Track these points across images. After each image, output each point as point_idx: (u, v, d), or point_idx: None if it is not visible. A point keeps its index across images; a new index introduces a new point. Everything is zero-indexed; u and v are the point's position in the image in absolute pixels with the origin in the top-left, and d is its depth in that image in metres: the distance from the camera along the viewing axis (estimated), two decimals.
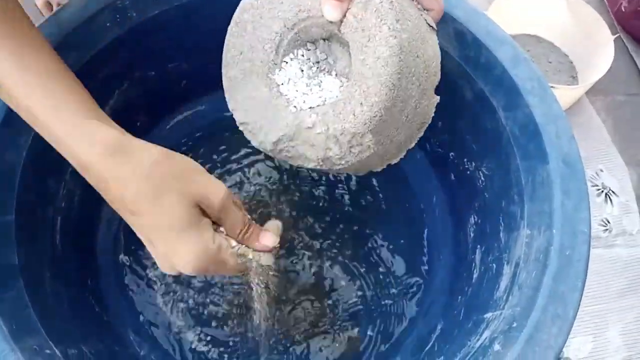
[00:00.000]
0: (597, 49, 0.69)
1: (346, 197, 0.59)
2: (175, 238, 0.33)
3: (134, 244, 0.55)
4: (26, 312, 0.36)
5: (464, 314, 0.46)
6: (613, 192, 0.65)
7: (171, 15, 0.51)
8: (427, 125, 0.42)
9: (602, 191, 0.65)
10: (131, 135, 0.34)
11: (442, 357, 0.43)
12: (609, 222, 0.63)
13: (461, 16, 0.46)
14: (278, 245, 0.39)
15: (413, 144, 0.42)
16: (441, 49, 0.49)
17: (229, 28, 0.39)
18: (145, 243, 0.34)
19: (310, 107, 0.37)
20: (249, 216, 0.38)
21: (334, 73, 0.38)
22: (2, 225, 0.39)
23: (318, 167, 0.39)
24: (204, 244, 0.33)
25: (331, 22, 0.36)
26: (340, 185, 0.60)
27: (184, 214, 0.32)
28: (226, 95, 0.40)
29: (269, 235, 0.38)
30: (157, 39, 0.52)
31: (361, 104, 0.36)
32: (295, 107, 0.38)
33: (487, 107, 0.47)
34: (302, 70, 0.38)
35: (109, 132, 0.33)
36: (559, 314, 0.35)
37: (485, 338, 0.38)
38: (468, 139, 0.51)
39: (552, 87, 0.62)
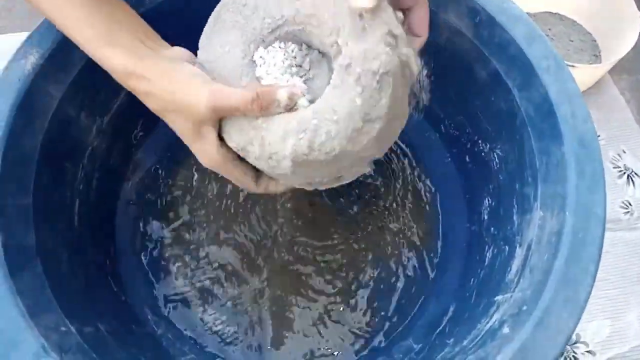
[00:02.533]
0: (622, 26, 0.66)
1: (360, 179, 0.59)
2: (189, 143, 0.39)
3: (152, 226, 0.57)
4: (43, 291, 0.37)
5: (475, 297, 0.45)
6: (636, 173, 0.64)
7: (180, 1, 0.51)
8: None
9: (624, 173, 0.64)
10: (146, 53, 0.38)
11: (452, 339, 0.43)
12: (630, 204, 0.62)
13: None
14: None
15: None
16: (454, 28, 0.48)
17: None
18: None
19: None
20: (252, 91, 0.35)
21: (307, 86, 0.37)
22: (19, 208, 0.40)
23: None
24: (207, 154, 0.38)
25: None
26: None
27: (185, 127, 0.38)
28: (206, 29, 0.39)
29: (283, 92, 0.35)
30: (167, 24, 0.52)
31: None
32: None
33: (502, 86, 0.46)
34: (283, 63, 0.37)
35: (118, 62, 0.37)
36: (570, 297, 0.35)
37: (495, 321, 0.38)
38: (483, 119, 0.50)
39: (572, 66, 0.60)
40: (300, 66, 0.38)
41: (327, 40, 0.36)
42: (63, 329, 0.36)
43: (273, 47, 0.37)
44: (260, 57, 0.37)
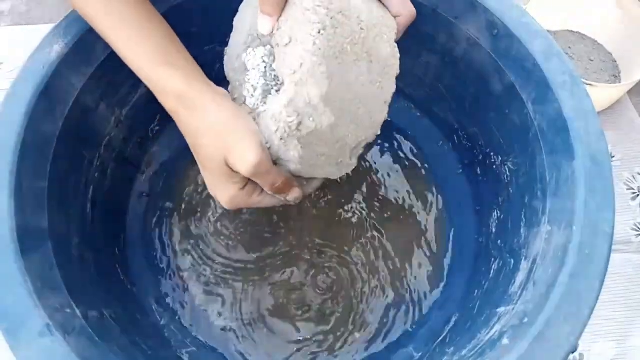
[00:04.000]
0: None
1: (371, 186, 0.59)
2: (215, 181, 0.40)
3: (163, 219, 0.57)
4: (52, 272, 0.38)
5: (479, 308, 0.45)
6: None
7: None
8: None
9: (638, 195, 0.63)
10: (201, 82, 0.39)
11: (452, 348, 0.43)
12: None
13: (494, 6, 0.45)
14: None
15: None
16: (472, 39, 0.49)
17: None
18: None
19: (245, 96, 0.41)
20: (281, 176, 0.40)
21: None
22: (35, 191, 0.41)
23: None
24: (234, 192, 0.40)
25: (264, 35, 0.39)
26: (364, 174, 0.60)
27: (219, 167, 0.38)
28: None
29: (294, 193, 0.43)
30: (196, 21, 0.54)
31: None
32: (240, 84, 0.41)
33: (517, 100, 0.46)
34: (265, 62, 0.40)
35: (177, 84, 0.38)
36: (573, 312, 0.35)
37: (495, 332, 0.38)
38: (496, 132, 0.50)
39: (590, 84, 0.60)
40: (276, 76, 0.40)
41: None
42: (68, 310, 0.37)
43: (260, 49, 0.40)
44: (249, 53, 0.40)
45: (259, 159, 0.37)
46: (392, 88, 0.40)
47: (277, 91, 0.40)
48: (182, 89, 0.38)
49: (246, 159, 0.37)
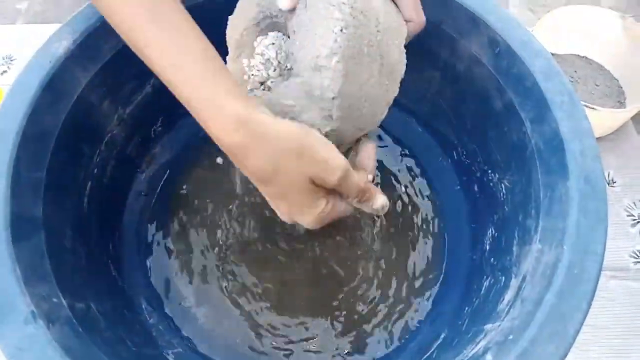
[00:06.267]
0: None
1: None
2: (298, 206, 0.36)
3: (160, 219, 0.58)
4: (42, 261, 0.38)
5: (467, 325, 0.45)
6: None
7: (216, 4, 0.52)
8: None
9: (638, 222, 0.62)
10: (254, 103, 0.34)
11: None
12: None
13: (496, 24, 0.46)
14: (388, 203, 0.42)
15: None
16: (474, 57, 0.49)
17: None
18: (268, 201, 0.38)
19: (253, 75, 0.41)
20: (365, 181, 0.39)
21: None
22: (32, 180, 0.41)
23: None
24: (319, 210, 0.37)
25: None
26: None
27: (302, 189, 0.35)
28: None
29: (380, 200, 0.40)
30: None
31: None
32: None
33: (515, 118, 0.46)
34: (274, 56, 0.40)
35: (234, 106, 0.32)
36: (558, 331, 0.34)
37: (480, 348, 0.37)
38: (494, 149, 0.50)
39: (593, 108, 0.60)
40: (283, 64, 0.40)
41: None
42: (55, 300, 0.37)
43: (272, 35, 0.40)
44: (257, 41, 0.40)
45: (346, 161, 0.35)
46: (396, 91, 0.40)
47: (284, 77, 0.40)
48: (244, 113, 0.32)
49: (337, 165, 0.35)
